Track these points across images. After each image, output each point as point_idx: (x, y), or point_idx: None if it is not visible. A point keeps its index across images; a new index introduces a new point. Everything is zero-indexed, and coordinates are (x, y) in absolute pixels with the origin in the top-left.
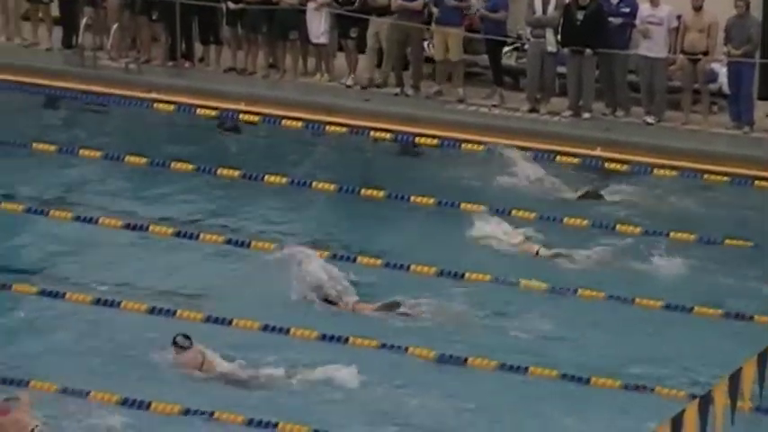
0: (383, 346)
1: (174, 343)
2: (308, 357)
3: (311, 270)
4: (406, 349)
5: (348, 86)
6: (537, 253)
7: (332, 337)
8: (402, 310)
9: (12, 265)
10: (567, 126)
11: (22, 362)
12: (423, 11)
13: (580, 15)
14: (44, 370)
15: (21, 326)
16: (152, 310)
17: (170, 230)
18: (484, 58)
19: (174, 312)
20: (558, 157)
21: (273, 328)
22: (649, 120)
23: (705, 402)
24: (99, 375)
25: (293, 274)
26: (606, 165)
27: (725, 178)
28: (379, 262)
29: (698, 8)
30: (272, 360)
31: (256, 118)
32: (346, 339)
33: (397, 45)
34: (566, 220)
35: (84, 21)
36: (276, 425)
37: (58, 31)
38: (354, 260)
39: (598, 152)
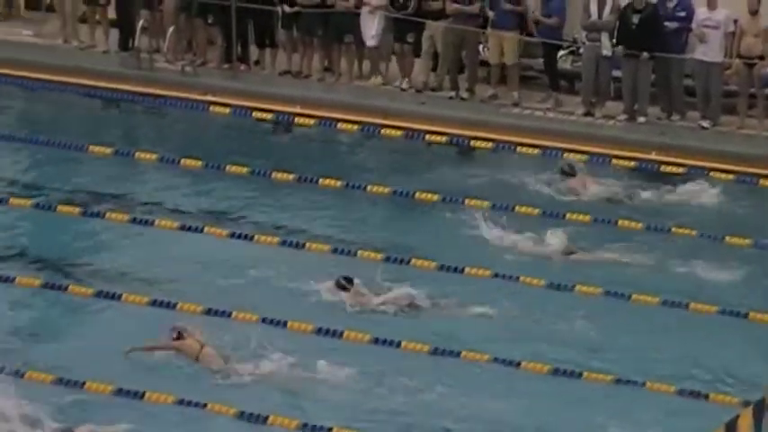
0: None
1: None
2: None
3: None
4: (460, 354)
5: (403, 90)
6: (586, 256)
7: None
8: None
9: (69, 266)
10: (623, 130)
11: (77, 362)
12: (478, 14)
13: (636, 19)
14: (99, 370)
15: (76, 326)
16: (208, 311)
17: (224, 232)
18: (539, 62)
19: (230, 314)
20: (614, 161)
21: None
22: (705, 124)
23: (759, 408)
24: (155, 375)
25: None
26: (661, 169)
27: None
28: (433, 265)
29: (754, 12)
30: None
31: (311, 121)
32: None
33: (452, 48)
34: (620, 222)
35: (140, 23)
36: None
37: (114, 34)
38: (408, 262)
39: (653, 156)
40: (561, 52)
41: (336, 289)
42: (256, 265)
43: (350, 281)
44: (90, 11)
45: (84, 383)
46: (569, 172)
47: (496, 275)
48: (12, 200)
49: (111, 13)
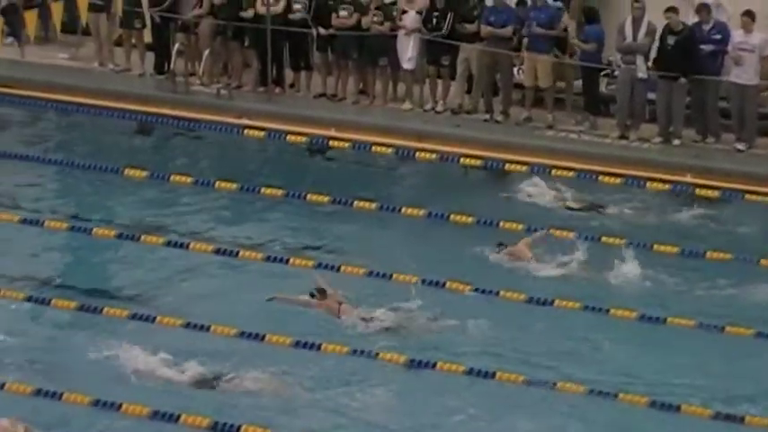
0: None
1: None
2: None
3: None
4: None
5: (438, 112)
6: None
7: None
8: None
9: (104, 289)
10: (657, 152)
11: (114, 387)
12: (512, 37)
13: (671, 41)
14: (136, 394)
15: (112, 349)
16: (241, 334)
17: (260, 255)
18: (574, 85)
19: (263, 337)
20: (649, 184)
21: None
22: (740, 146)
23: None
24: (188, 398)
25: None
26: (697, 191)
27: None
28: (467, 288)
29: None
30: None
31: (346, 144)
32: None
33: (486, 71)
34: (656, 246)
35: (176, 46)
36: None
37: (150, 57)
38: (443, 285)
39: (688, 179)
40: None
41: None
42: (291, 286)
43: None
44: (126, 34)
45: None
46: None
47: (530, 300)
48: (47, 222)
49: (147, 37)
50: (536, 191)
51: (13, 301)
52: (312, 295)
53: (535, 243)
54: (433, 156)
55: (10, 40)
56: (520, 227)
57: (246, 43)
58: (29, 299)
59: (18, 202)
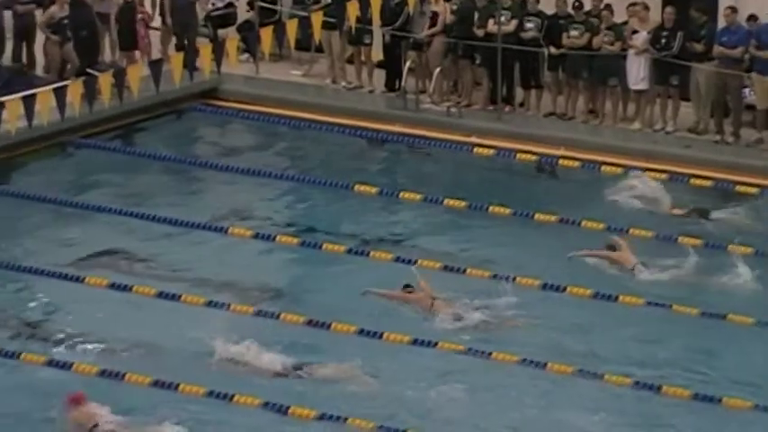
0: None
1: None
2: None
3: None
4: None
5: (668, 133)
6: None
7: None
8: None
9: (332, 304)
10: None
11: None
12: (742, 58)
13: None
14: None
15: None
16: (467, 351)
17: (486, 273)
18: None
19: (490, 354)
20: None
21: None
22: None
23: None
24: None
25: None
26: None
27: None
28: (695, 311)
29: None
30: None
31: (575, 163)
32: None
33: (716, 91)
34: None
35: (407, 64)
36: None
37: (378, 74)
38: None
39: None
40: None
41: None
42: (521, 306)
43: None
44: (357, 51)
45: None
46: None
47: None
48: (279, 237)
49: (377, 54)
50: None
51: (245, 314)
52: (406, 286)
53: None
54: (663, 176)
55: (245, 56)
56: (748, 250)
57: (477, 61)
58: (258, 313)
59: (250, 217)
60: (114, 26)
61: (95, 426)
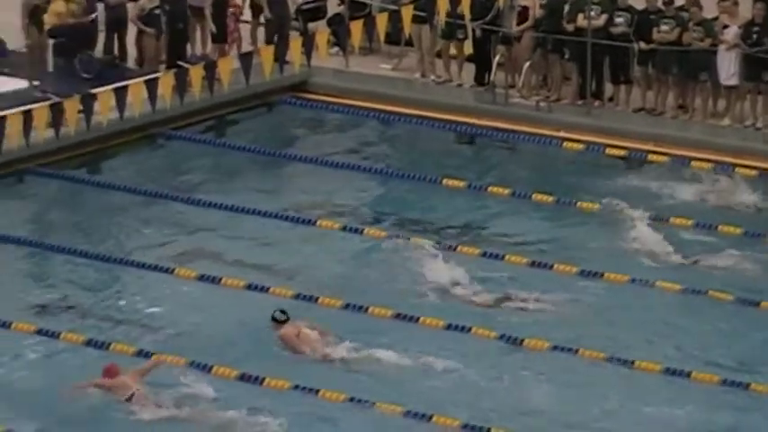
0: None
1: (273, 318)
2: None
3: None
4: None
5: (758, 129)
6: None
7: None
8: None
9: (421, 298)
10: None
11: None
12: None
13: None
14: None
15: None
16: (554, 348)
17: (574, 269)
18: None
19: (577, 351)
20: None
21: None
22: None
23: None
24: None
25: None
26: None
27: None
28: None
29: None
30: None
31: (664, 158)
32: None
33: None
34: None
35: (497, 59)
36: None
37: (468, 68)
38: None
39: None
40: None
41: None
42: (611, 306)
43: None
44: (446, 45)
45: None
46: None
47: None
48: (367, 230)
49: (468, 48)
50: None
51: (331, 307)
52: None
53: None
54: (753, 172)
55: (335, 49)
56: None
57: (567, 56)
58: (346, 306)
59: (339, 210)
60: (209, 19)
61: (132, 395)
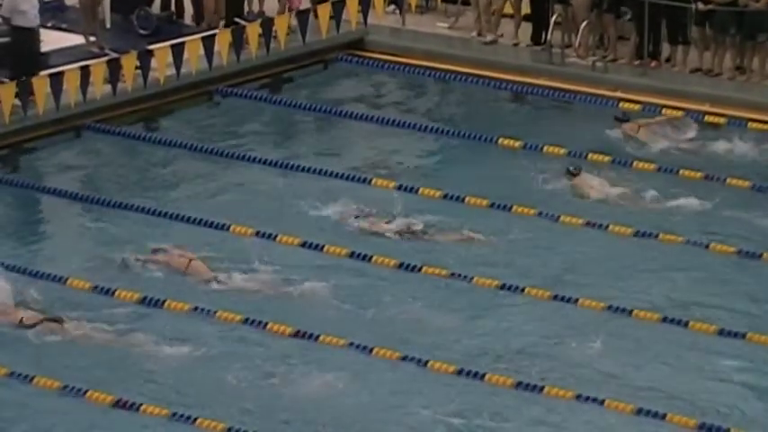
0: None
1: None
2: None
3: None
4: None
5: None
6: None
7: None
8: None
9: (473, 258)
10: None
11: None
12: None
13: None
14: None
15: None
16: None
17: (629, 230)
18: None
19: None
20: None
21: None
22: None
23: None
24: None
25: None
26: None
27: None
28: None
29: None
30: None
31: (721, 120)
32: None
33: None
34: None
35: (554, 18)
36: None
37: (524, 28)
38: None
39: None
40: None
41: None
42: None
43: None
44: (499, 4)
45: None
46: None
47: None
48: (422, 190)
49: (525, 8)
50: None
51: (386, 267)
52: None
53: None
54: None
55: (392, 8)
56: None
57: (628, 16)
58: (399, 265)
59: (394, 169)
60: None
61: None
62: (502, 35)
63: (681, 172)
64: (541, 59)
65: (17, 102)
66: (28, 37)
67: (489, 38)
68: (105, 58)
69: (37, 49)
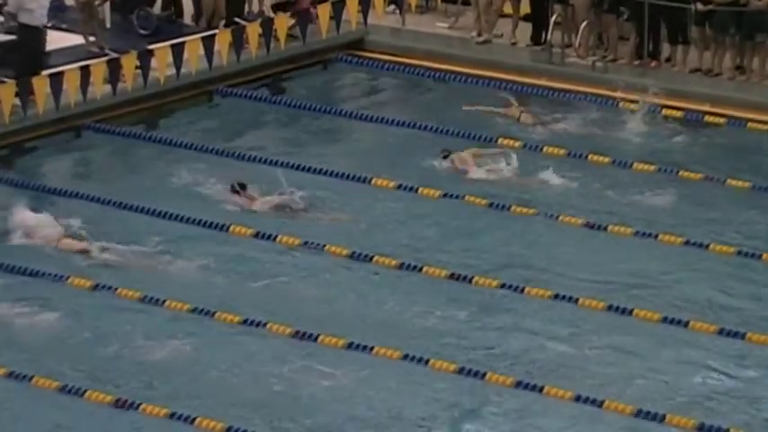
0: None
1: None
2: None
3: None
4: None
5: None
6: None
7: None
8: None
9: (485, 257)
10: None
11: None
12: None
13: None
14: None
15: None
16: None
17: (629, 230)
18: None
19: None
20: None
21: None
22: None
23: None
24: None
25: None
26: None
27: None
28: None
29: None
30: None
31: (721, 120)
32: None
33: None
34: None
35: (553, 18)
36: None
37: (523, 28)
38: None
39: None
40: None
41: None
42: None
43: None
44: (499, 4)
45: None
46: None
47: None
48: (422, 190)
49: (525, 8)
50: None
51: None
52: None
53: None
54: None
55: (392, 7)
56: None
57: (625, 16)
58: (402, 266)
59: (395, 168)
60: None
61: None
62: (502, 35)
63: None
64: (541, 59)
65: (17, 101)
66: (34, 35)
67: (484, 37)
68: (105, 58)
69: (42, 49)
